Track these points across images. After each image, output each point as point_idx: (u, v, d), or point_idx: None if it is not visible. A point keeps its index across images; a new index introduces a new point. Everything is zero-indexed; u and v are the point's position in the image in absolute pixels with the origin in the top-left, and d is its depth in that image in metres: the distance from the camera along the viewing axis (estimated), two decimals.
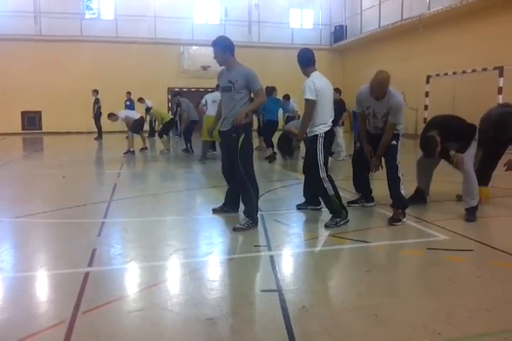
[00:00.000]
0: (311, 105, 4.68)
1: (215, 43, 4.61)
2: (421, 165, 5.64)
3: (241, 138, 4.61)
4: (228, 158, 4.84)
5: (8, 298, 3.05)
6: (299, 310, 2.81)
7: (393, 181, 4.90)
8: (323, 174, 4.77)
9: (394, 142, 4.93)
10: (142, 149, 12.48)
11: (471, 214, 4.96)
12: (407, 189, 5.12)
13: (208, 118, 9.27)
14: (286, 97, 12.16)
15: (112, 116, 11.67)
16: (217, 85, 5.64)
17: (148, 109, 15.39)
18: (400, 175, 4.89)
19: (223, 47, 4.59)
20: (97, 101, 16.89)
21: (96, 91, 16.90)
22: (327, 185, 4.77)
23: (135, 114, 12.13)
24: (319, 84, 4.69)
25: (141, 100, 17.23)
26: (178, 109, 13.17)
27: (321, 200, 5.30)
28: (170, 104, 17.61)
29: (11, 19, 19.19)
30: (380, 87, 4.79)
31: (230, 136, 4.64)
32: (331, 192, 4.78)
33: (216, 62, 4.68)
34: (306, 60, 4.84)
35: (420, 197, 5.71)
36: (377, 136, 5.05)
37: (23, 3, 19.45)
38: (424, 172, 5.65)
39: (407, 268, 3.76)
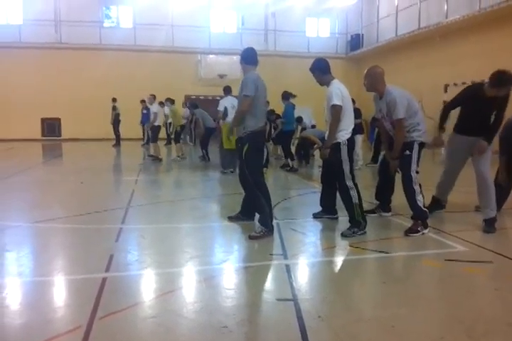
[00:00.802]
0: (339, 111, 4.70)
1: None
2: (448, 172, 5.51)
3: (245, 148, 4.66)
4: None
5: (26, 303, 3.09)
6: (315, 319, 2.79)
7: (408, 193, 4.83)
8: (349, 182, 4.77)
9: (407, 152, 4.85)
10: (152, 157, 12.34)
11: (489, 226, 4.89)
12: (427, 198, 5.01)
13: (227, 125, 9.23)
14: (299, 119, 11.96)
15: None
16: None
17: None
18: (415, 186, 4.77)
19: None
20: (114, 108, 17.10)
21: (114, 100, 17.10)
22: (353, 192, 4.77)
23: (158, 119, 12.20)
24: (344, 92, 4.75)
25: (161, 104, 17.29)
26: (194, 116, 13.25)
27: (337, 210, 5.31)
28: (194, 118, 17.73)
29: (32, 28, 19.61)
30: (373, 80, 4.88)
31: (237, 145, 4.72)
32: (356, 200, 4.77)
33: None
34: (324, 69, 4.86)
35: (437, 205, 5.62)
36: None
37: (44, 12, 19.86)
38: (448, 180, 5.54)
39: (424, 279, 3.72)
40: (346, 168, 4.75)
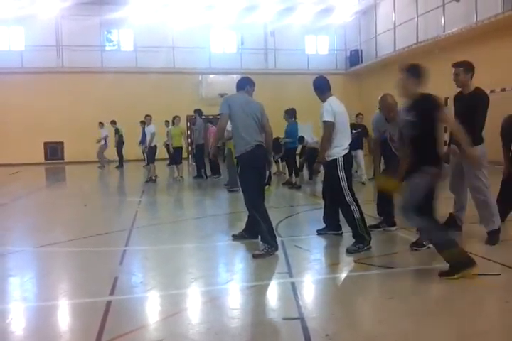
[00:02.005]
0: (329, 127, 4.71)
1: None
2: (455, 183, 5.39)
3: (238, 169, 4.75)
4: None
5: (32, 328, 3.07)
6: (322, 338, 2.75)
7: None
8: (348, 197, 4.76)
9: None
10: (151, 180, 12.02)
11: (493, 238, 4.84)
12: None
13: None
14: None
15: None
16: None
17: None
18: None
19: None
20: (117, 131, 17.25)
21: (113, 122, 17.33)
22: (354, 207, 4.76)
23: (155, 140, 12.23)
24: (336, 108, 4.76)
25: (167, 123, 17.33)
26: (192, 127, 13.27)
27: (341, 225, 5.29)
28: (189, 132, 17.77)
29: (35, 53, 19.88)
30: (392, 110, 4.92)
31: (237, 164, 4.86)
32: (357, 215, 4.75)
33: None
34: (323, 87, 4.93)
35: (453, 224, 5.42)
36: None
37: (46, 37, 20.17)
38: (459, 190, 5.47)
39: (430, 293, 3.68)
40: (344, 183, 4.75)
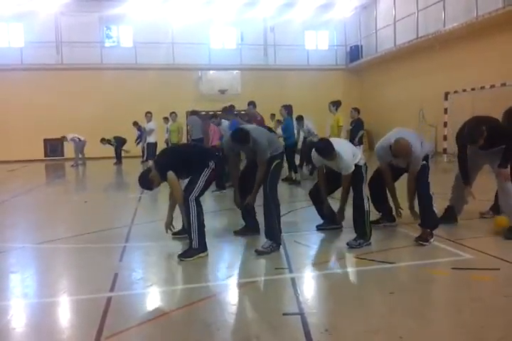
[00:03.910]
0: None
1: None
2: (459, 180, 5.48)
3: (275, 163, 4.78)
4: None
5: (32, 324, 3.08)
6: (322, 333, 2.76)
7: (426, 199, 4.83)
8: (365, 197, 4.88)
9: (424, 162, 4.92)
10: None
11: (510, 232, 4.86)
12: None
13: None
14: (299, 118, 11.91)
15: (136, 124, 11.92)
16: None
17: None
18: (431, 193, 4.85)
19: None
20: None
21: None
22: (366, 204, 4.84)
23: (154, 136, 12.15)
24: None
25: (165, 120, 17.22)
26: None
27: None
28: (188, 127, 17.79)
29: (34, 49, 19.81)
30: (408, 155, 4.84)
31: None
32: (367, 208, 4.82)
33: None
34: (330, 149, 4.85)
35: (451, 216, 5.56)
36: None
37: (45, 33, 20.09)
38: (462, 186, 5.51)
39: (431, 288, 3.69)
40: (364, 186, 4.92)
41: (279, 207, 4.78)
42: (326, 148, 4.72)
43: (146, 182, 4.77)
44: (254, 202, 5.02)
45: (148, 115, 12.44)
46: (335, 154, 4.71)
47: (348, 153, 4.80)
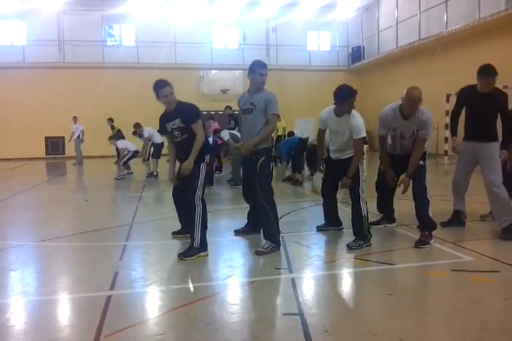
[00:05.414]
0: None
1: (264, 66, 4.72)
2: (456, 181, 5.47)
3: (260, 161, 4.64)
4: (249, 179, 4.91)
5: (32, 322, 3.08)
6: (322, 334, 2.76)
7: (422, 203, 4.79)
8: (363, 195, 4.85)
9: (421, 162, 4.83)
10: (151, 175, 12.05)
11: (506, 233, 4.86)
12: (433, 211, 4.96)
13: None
14: (291, 134, 11.90)
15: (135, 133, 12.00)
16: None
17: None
18: (428, 196, 4.79)
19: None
20: (112, 128, 16.98)
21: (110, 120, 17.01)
22: (364, 205, 4.80)
23: (159, 137, 12.13)
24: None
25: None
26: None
27: (341, 221, 5.33)
28: None
29: (36, 48, 19.84)
30: (417, 105, 4.70)
31: (251, 158, 4.68)
32: (365, 212, 4.78)
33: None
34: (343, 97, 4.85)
35: (457, 220, 5.53)
36: (403, 157, 4.93)
37: (48, 32, 20.10)
38: (459, 187, 5.50)
39: (431, 290, 3.69)
40: (362, 181, 4.88)
41: (275, 208, 4.73)
42: (347, 90, 4.79)
43: (163, 83, 5.13)
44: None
45: (139, 129, 12.29)
46: (349, 106, 4.74)
47: (361, 120, 4.80)
